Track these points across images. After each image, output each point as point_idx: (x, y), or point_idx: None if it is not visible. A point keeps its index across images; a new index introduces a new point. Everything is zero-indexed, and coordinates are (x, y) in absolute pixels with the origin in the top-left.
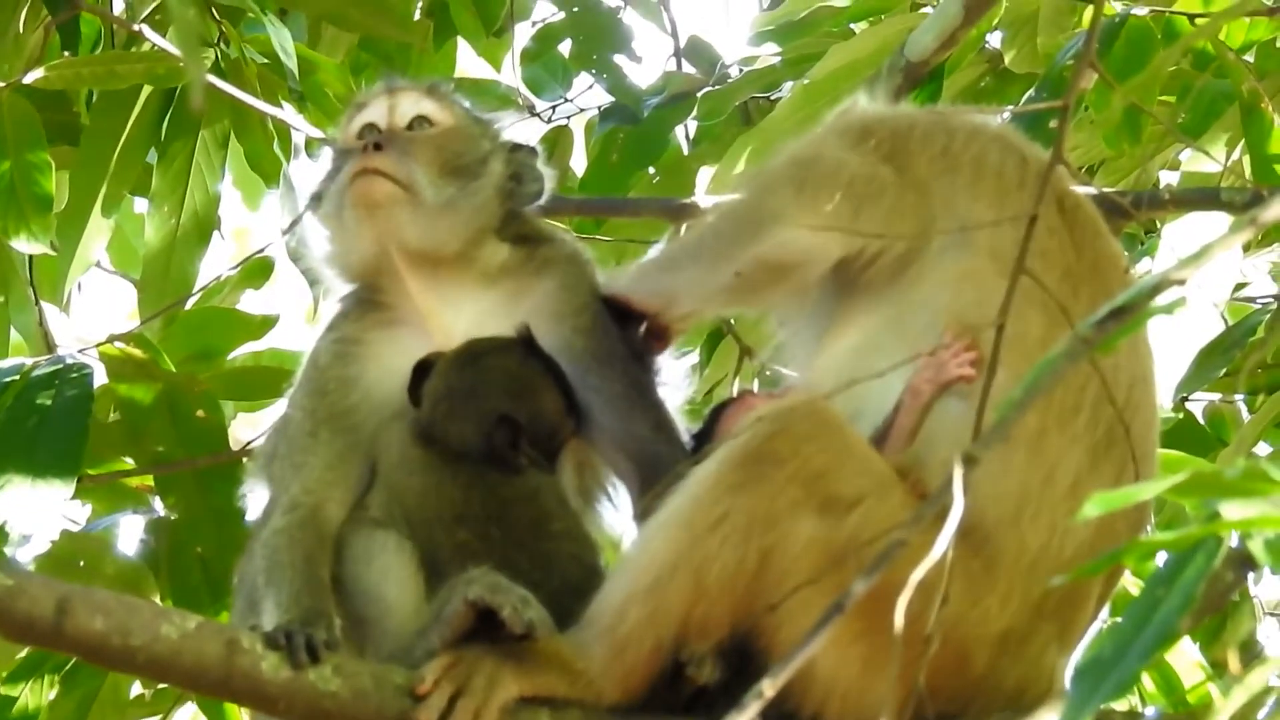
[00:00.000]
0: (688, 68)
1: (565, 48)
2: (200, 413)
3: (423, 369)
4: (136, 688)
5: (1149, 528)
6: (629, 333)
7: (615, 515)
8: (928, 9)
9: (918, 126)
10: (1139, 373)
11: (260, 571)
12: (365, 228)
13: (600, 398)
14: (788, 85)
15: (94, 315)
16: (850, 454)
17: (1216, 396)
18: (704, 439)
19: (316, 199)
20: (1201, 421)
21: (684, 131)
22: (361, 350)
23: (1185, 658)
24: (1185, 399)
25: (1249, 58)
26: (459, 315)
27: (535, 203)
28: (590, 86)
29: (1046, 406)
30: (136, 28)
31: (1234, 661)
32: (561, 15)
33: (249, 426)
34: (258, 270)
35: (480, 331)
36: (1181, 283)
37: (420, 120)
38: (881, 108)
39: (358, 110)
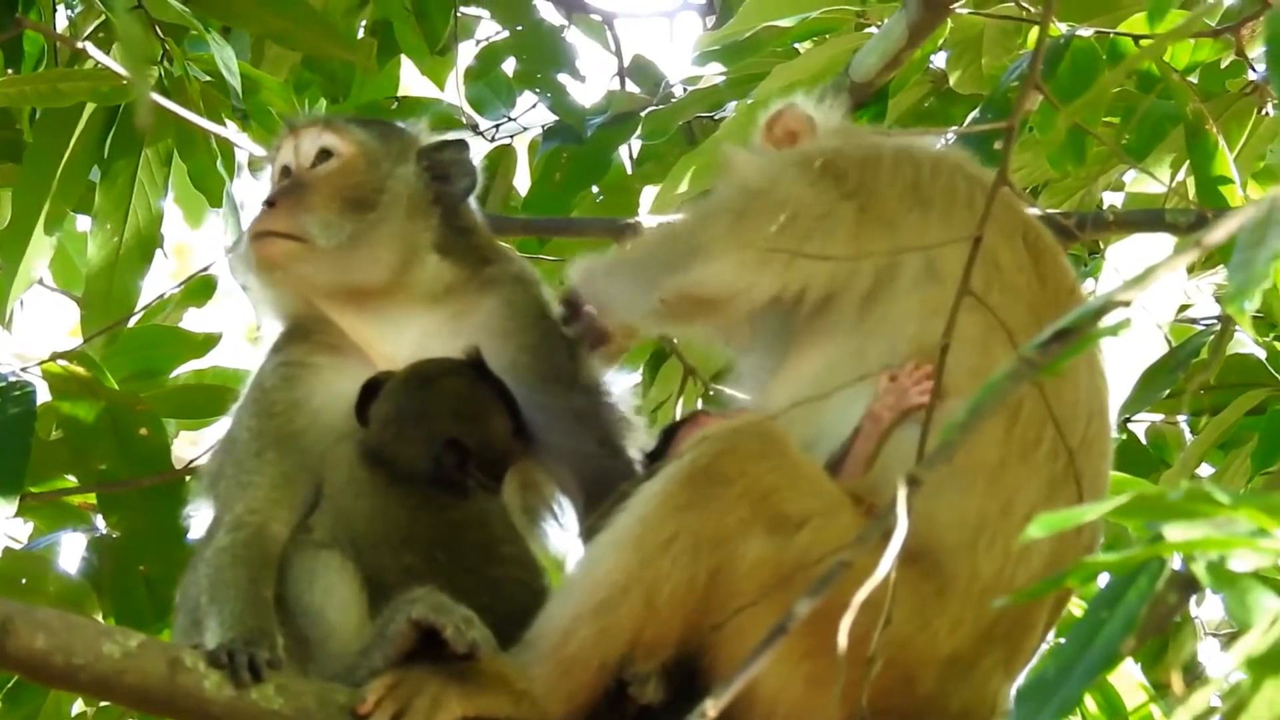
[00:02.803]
0: (631, 87)
1: (509, 66)
2: (143, 431)
3: (371, 389)
4: (79, 706)
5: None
6: (573, 325)
7: (560, 534)
8: (872, 29)
9: (884, 160)
10: (1097, 406)
11: (204, 590)
12: (273, 286)
13: (547, 416)
14: (732, 105)
15: (37, 333)
16: (798, 474)
17: (1160, 418)
18: (657, 458)
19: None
20: (1145, 442)
21: (628, 151)
22: (307, 374)
23: (1128, 679)
24: (1129, 420)
25: (1194, 79)
26: (402, 338)
27: (470, 195)
28: (534, 105)
29: (1008, 439)
30: (80, 45)
31: (1177, 683)
32: (505, 34)
33: (191, 445)
34: (200, 288)
35: (425, 352)
36: (1126, 304)
37: (323, 154)
38: (839, 131)
39: (275, 154)
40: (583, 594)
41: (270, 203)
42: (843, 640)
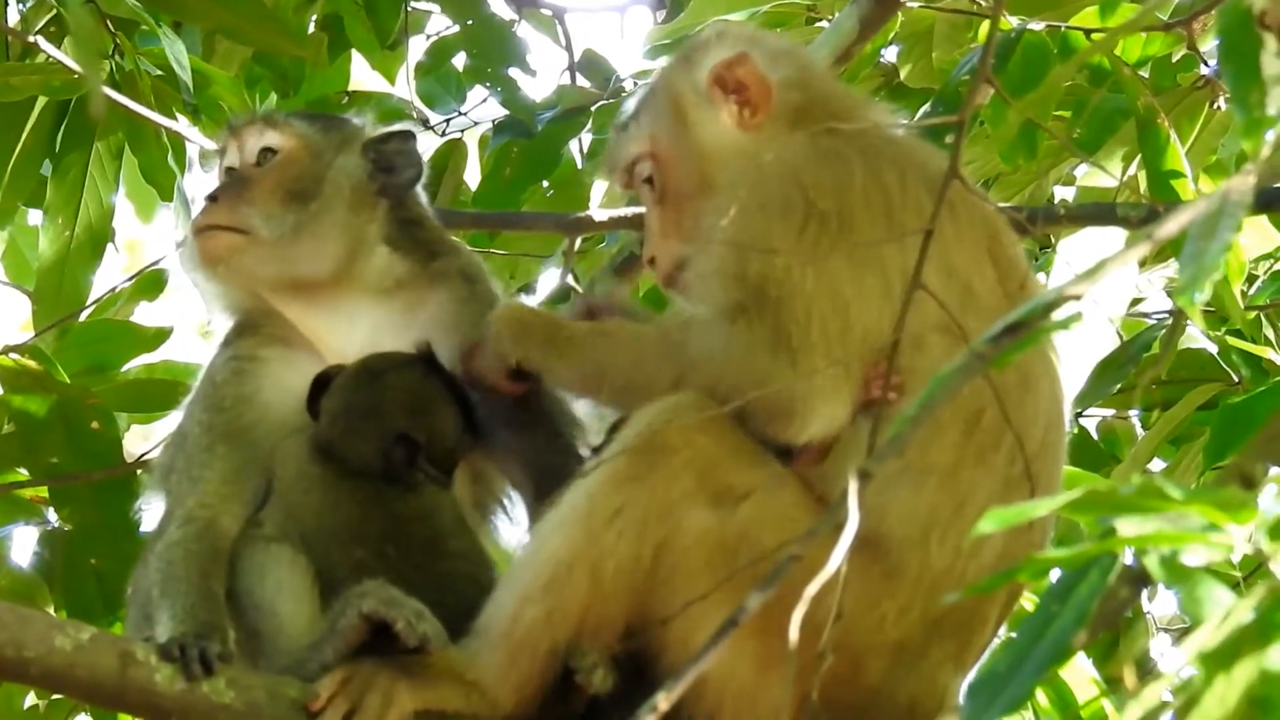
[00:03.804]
0: (582, 81)
1: (460, 61)
2: (94, 425)
3: (322, 382)
4: (30, 699)
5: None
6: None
7: (510, 528)
8: (823, 23)
9: (855, 186)
10: (1055, 415)
11: (155, 584)
12: (219, 280)
13: (496, 409)
14: None
15: None
16: (739, 448)
17: (1111, 412)
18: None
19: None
20: (1096, 437)
21: (578, 145)
22: (258, 367)
23: (1080, 673)
24: (1080, 415)
25: (1145, 73)
26: (352, 330)
27: (415, 185)
28: (484, 100)
29: (965, 444)
30: (31, 39)
31: (1129, 677)
32: (456, 29)
33: (143, 439)
34: (151, 283)
35: (375, 345)
36: (1077, 298)
37: (266, 152)
38: (798, 93)
39: (220, 156)
40: (529, 575)
41: (213, 198)
42: (794, 634)
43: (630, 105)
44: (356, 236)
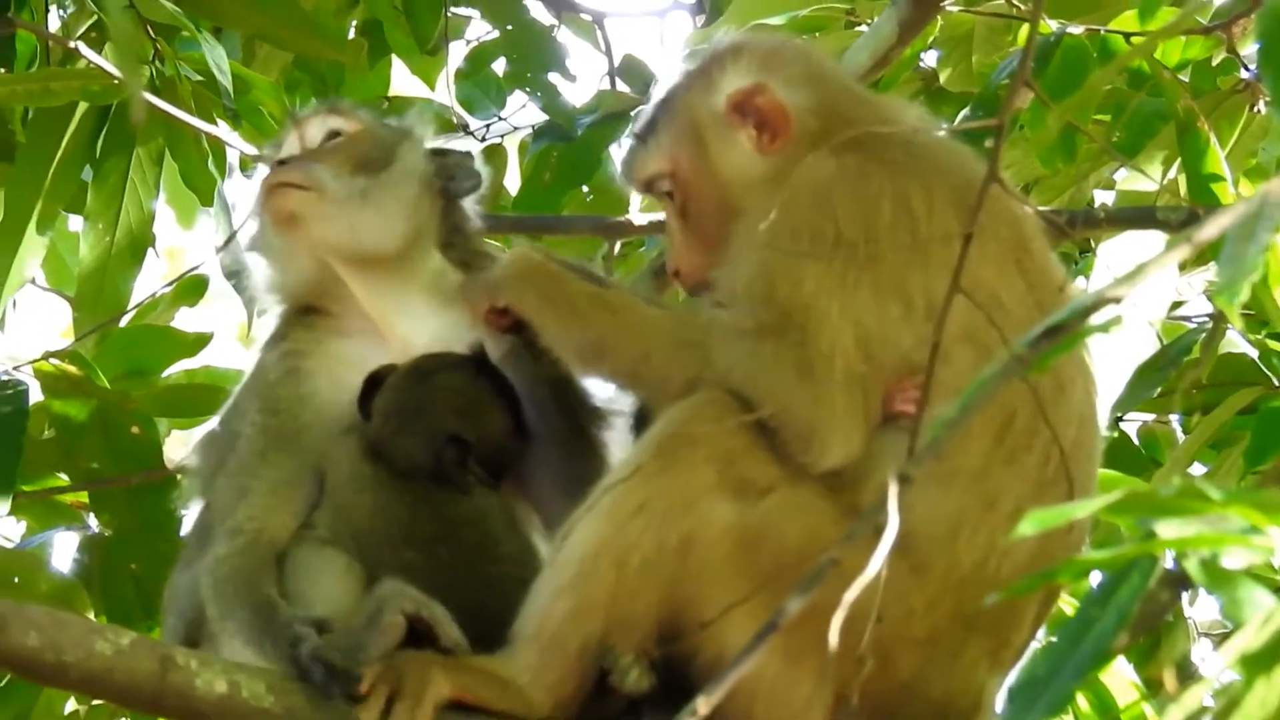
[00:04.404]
0: (622, 86)
1: (499, 66)
2: (134, 430)
3: (374, 382)
4: (71, 704)
5: (1085, 550)
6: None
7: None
8: (862, 27)
9: (883, 215)
10: (1088, 413)
11: (211, 603)
12: (289, 240)
13: (537, 415)
14: None
15: (28, 332)
16: (761, 445)
17: (1151, 416)
18: None
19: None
20: (1136, 442)
21: (618, 150)
22: (314, 365)
23: (1120, 677)
24: (1120, 419)
25: (1185, 76)
26: (416, 325)
27: (472, 194)
28: (524, 105)
29: (996, 447)
30: (72, 44)
31: (1169, 681)
32: (496, 34)
33: (183, 444)
34: (192, 288)
35: (439, 343)
36: (1117, 301)
37: (331, 135)
38: (819, 120)
39: (275, 150)
40: (557, 572)
41: (282, 163)
42: (833, 639)
43: (649, 113)
44: (420, 222)
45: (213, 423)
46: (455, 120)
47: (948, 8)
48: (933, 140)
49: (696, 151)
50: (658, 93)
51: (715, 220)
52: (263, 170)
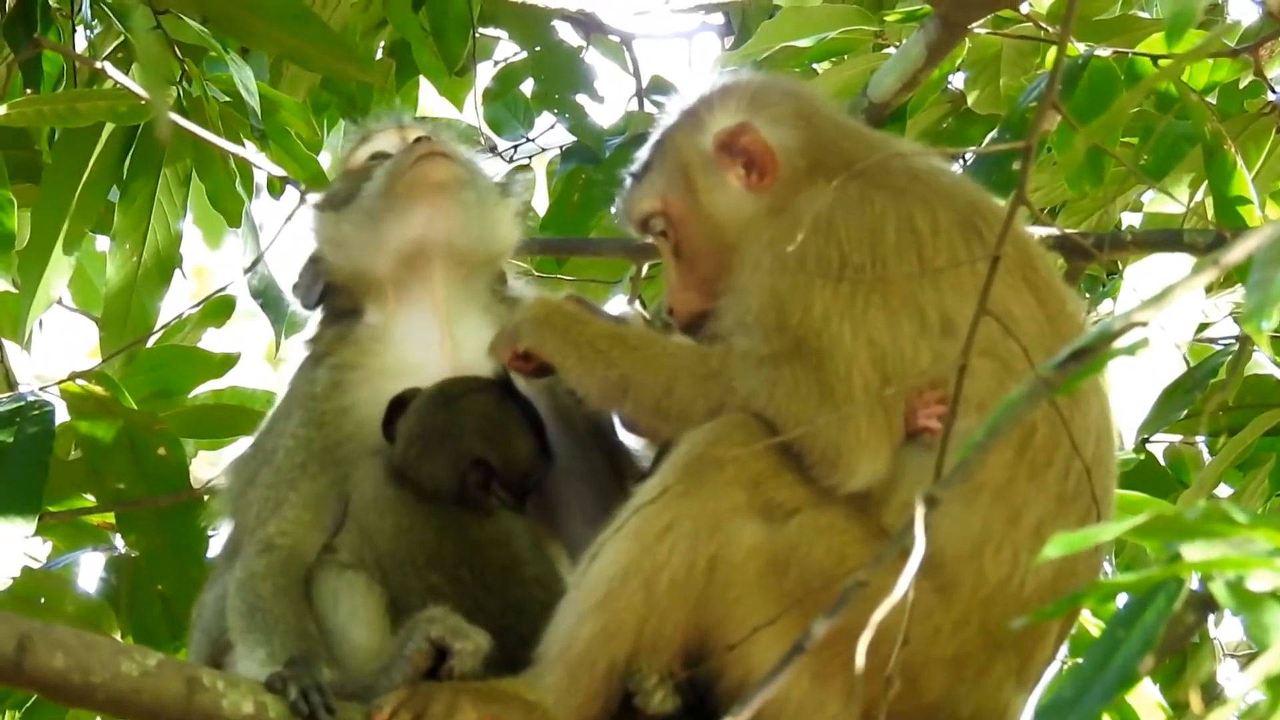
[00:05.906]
0: (650, 108)
1: (527, 87)
2: (161, 450)
3: (398, 405)
4: None
5: (1107, 567)
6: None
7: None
8: (890, 50)
9: (888, 235)
10: (1104, 427)
11: (239, 614)
12: (420, 210)
13: (562, 439)
14: None
15: (55, 353)
16: (786, 466)
17: (1178, 438)
18: None
19: (330, 204)
20: (1162, 463)
21: None
22: (359, 379)
23: (1146, 699)
24: (1146, 440)
25: (1212, 99)
26: (470, 335)
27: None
28: (552, 126)
29: (1018, 461)
30: (99, 65)
31: (1195, 702)
32: (523, 55)
33: (210, 465)
34: (219, 309)
35: (474, 363)
36: (1144, 324)
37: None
38: (804, 162)
39: (363, 142)
40: (584, 593)
41: (416, 140)
42: (860, 661)
43: (642, 154)
44: (508, 246)
45: (245, 443)
46: (483, 141)
47: (976, 30)
48: (933, 165)
49: (687, 191)
50: (652, 133)
51: (710, 257)
52: (293, 193)
